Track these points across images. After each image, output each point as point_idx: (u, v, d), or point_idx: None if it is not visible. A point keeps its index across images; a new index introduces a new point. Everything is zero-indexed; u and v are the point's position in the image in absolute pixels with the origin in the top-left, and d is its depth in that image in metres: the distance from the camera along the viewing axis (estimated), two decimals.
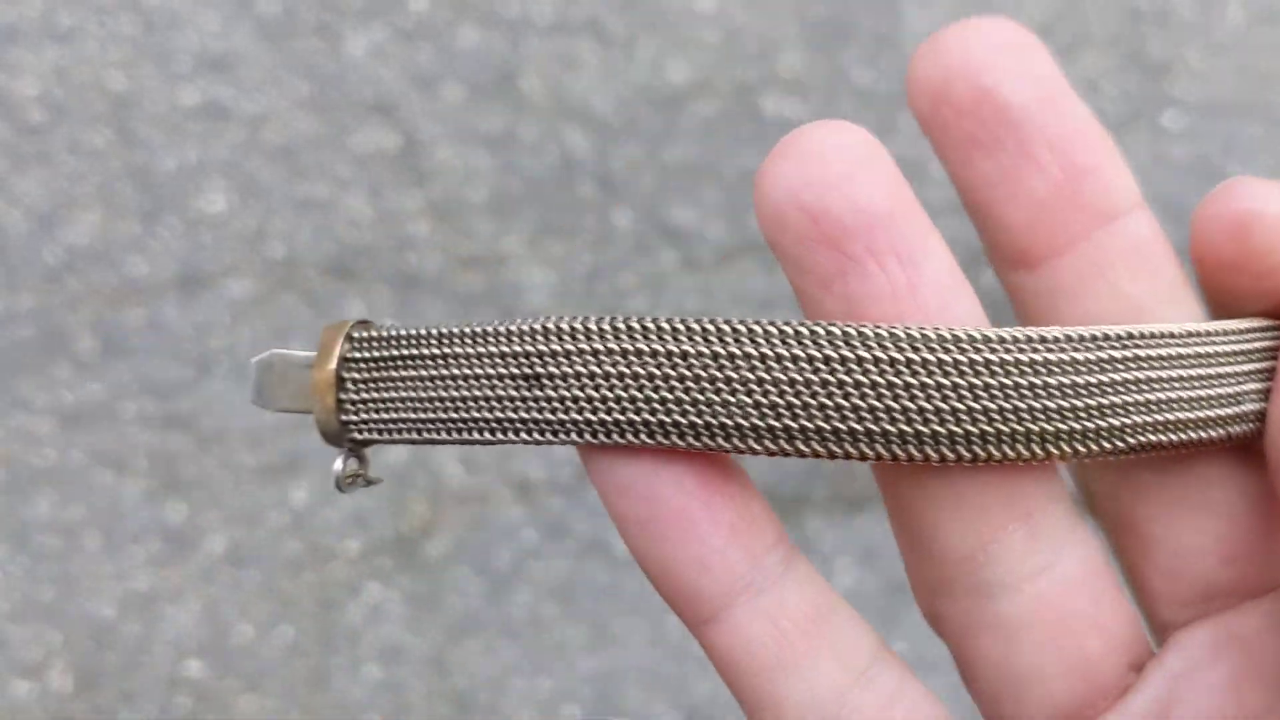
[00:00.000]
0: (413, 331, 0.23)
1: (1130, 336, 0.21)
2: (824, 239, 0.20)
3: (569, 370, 0.22)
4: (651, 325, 0.22)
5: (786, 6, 1.16)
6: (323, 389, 0.24)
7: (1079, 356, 0.21)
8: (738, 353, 0.21)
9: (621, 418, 0.21)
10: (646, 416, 0.21)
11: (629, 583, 0.93)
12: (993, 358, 0.21)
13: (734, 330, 0.21)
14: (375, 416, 0.24)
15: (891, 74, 1.13)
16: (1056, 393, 0.21)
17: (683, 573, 0.22)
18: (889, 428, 0.21)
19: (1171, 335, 0.22)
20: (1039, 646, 0.22)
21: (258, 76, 1.10)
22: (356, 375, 0.24)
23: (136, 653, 0.90)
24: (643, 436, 0.21)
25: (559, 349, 0.22)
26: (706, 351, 0.21)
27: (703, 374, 0.21)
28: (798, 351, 0.21)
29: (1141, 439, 0.21)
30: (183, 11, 1.12)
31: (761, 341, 0.21)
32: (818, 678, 0.22)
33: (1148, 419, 0.21)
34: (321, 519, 0.94)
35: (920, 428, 0.21)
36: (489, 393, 0.22)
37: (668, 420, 0.21)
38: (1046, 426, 0.21)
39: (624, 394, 0.22)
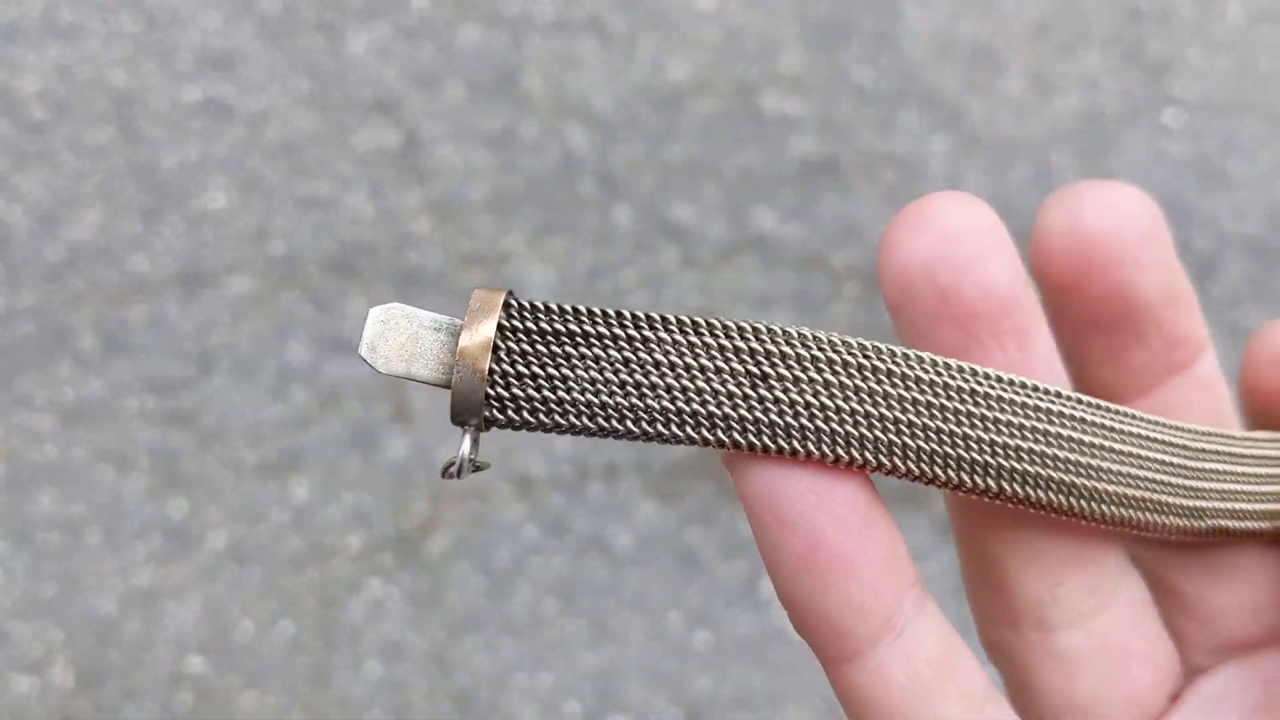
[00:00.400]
0: (597, 310, 0.22)
1: (1208, 434, 0.24)
2: (951, 318, 0.22)
3: (801, 376, 0.21)
4: (885, 349, 0.21)
5: (786, 5, 1.16)
6: (475, 354, 0.22)
7: (1179, 441, 0.23)
8: (963, 386, 0.22)
9: (853, 431, 0.21)
10: (864, 432, 0.21)
11: (629, 580, 0.93)
12: (1126, 428, 0.23)
13: (974, 370, 0.22)
14: (533, 393, 0.22)
15: (891, 72, 1.13)
16: (1165, 468, 0.23)
17: (834, 611, 0.22)
18: (1048, 474, 0.22)
19: (1233, 437, 0.25)
20: (1098, 677, 0.24)
21: (259, 74, 1.10)
22: (514, 345, 0.22)
23: (138, 649, 0.90)
24: (866, 454, 0.21)
25: (789, 351, 0.21)
26: (953, 382, 0.22)
27: (931, 402, 0.21)
28: (1013, 396, 0.22)
29: (1214, 524, 0.24)
30: (184, 9, 1.12)
31: (980, 382, 0.22)
32: (946, 716, 0.23)
33: (1221, 505, 0.24)
34: (322, 516, 0.94)
35: (1065, 477, 0.22)
36: (701, 384, 0.21)
37: (897, 442, 0.21)
38: (1153, 497, 0.23)
39: (857, 408, 0.21)
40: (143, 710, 0.88)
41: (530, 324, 0.22)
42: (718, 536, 0.95)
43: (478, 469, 0.23)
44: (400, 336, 0.22)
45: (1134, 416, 0.23)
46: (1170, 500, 0.23)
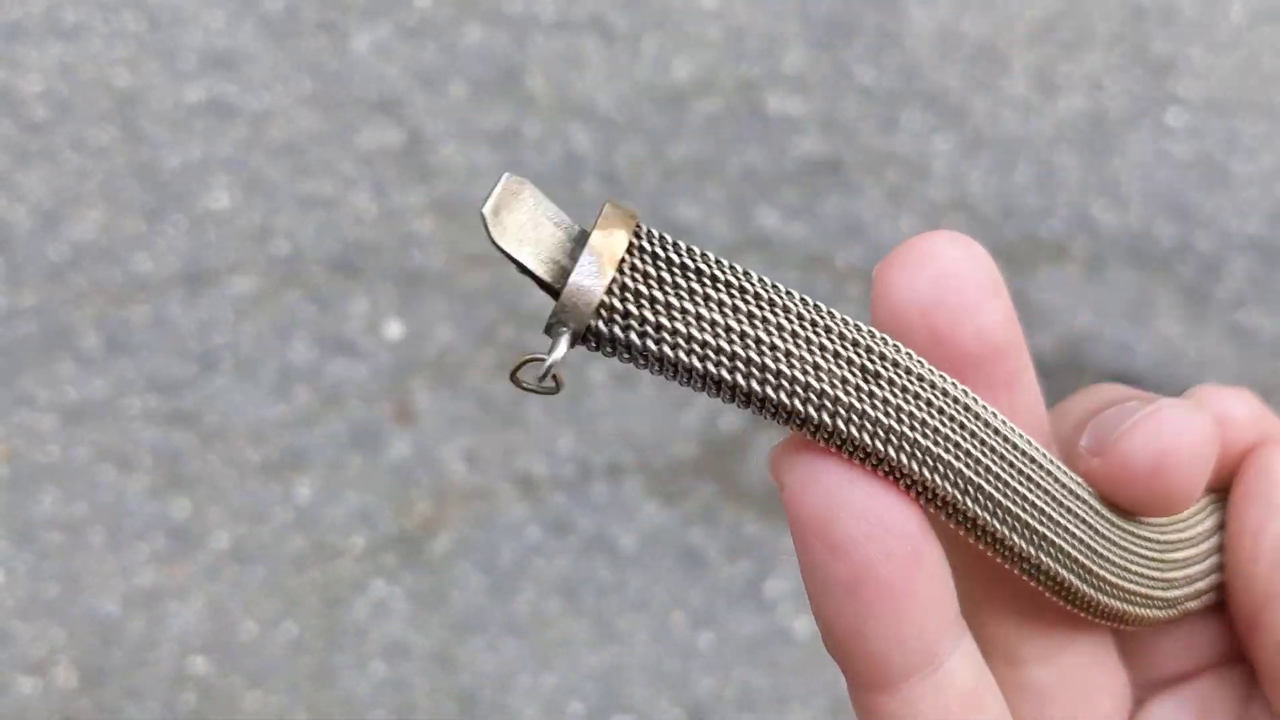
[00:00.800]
0: (725, 261, 0.21)
1: (1171, 524, 0.25)
2: (946, 361, 0.22)
3: (908, 387, 0.21)
4: (969, 392, 0.22)
5: (790, 4, 1.16)
6: (604, 255, 0.20)
7: (1154, 536, 0.25)
8: (1011, 439, 0.22)
9: (943, 455, 0.21)
10: (950, 459, 0.21)
11: (632, 579, 0.93)
12: (1124, 524, 0.24)
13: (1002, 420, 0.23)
14: (648, 315, 0.20)
15: (894, 72, 1.13)
16: (1149, 563, 0.25)
17: (874, 642, 0.21)
18: (1070, 550, 0.23)
19: (1184, 520, 0.26)
20: (1068, 707, 0.25)
21: (262, 74, 1.10)
22: (638, 264, 0.21)
23: (141, 649, 0.90)
24: (947, 485, 0.21)
25: (899, 361, 0.21)
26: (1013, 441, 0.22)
27: (1004, 455, 0.22)
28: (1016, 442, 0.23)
29: (1183, 609, 0.26)
30: (187, 9, 1.12)
31: (1031, 446, 0.23)
32: None
33: (1188, 590, 0.25)
34: (325, 516, 0.94)
35: (1081, 557, 0.23)
36: (819, 360, 0.21)
37: (974, 481, 0.21)
38: (1141, 590, 0.25)
39: (950, 435, 0.21)
40: (146, 710, 0.88)
41: (659, 249, 0.21)
42: (721, 537, 0.95)
43: (553, 389, 0.21)
44: (523, 213, 0.21)
45: (1127, 513, 0.24)
46: (1153, 594, 0.24)
